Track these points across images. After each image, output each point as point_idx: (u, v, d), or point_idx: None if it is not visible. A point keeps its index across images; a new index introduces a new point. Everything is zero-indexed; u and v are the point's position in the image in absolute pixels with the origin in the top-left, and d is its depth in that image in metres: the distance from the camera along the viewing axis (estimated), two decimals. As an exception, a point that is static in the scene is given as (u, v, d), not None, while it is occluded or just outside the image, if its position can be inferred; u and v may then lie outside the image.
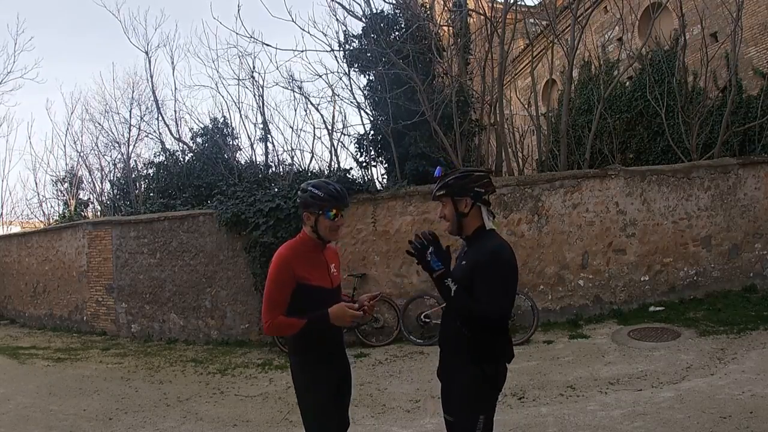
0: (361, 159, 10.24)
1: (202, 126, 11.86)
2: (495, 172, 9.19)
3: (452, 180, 2.19)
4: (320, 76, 11.71)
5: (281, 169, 10.46)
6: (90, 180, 14.47)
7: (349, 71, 9.97)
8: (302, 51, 17.25)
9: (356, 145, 10.32)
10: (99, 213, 13.59)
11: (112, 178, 13.93)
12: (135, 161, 13.49)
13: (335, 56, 10.07)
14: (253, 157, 11.27)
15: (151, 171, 12.61)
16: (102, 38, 43.20)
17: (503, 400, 4.23)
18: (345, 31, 9.91)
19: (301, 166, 10.39)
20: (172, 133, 12.11)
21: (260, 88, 10.86)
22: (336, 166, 10.00)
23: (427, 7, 10.18)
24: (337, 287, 2.46)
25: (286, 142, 12.20)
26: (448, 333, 2.25)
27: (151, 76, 12.09)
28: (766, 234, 7.69)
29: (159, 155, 12.65)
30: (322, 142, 25.44)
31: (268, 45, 19.72)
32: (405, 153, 9.15)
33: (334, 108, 11.01)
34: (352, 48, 9.78)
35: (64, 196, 15.01)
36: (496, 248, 2.08)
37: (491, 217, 2.21)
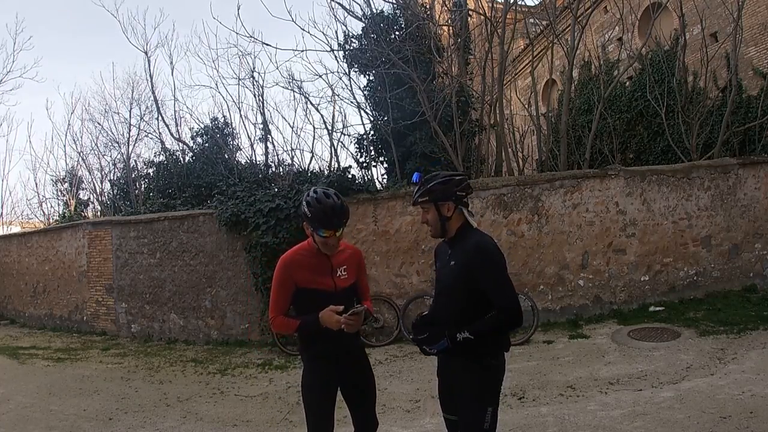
0: (361, 159, 10.25)
1: (202, 126, 11.87)
2: (495, 172, 9.19)
3: (435, 185, 2.21)
4: (320, 76, 11.74)
5: (281, 169, 10.46)
6: (90, 180, 14.48)
7: (349, 71, 9.99)
8: (302, 51, 17.28)
9: (356, 145, 10.34)
10: (99, 213, 13.57)
11: (112, 178, 13.94)
12: (135, 161, 13.50)
13: (335, 56, 10.10)
14: (253, 157, 11.30)
15: (151, 171, 12.61)
16: (102, 38, 43.23)
17: (503, 400, 4.22)
18: (345, 31, 9.96)
19: (301, 166, 10.40)
20: (172, 133, 12.13)
21: (260, 88, 10.89)
22: (336, 166, 10.00)
23: (427, 7, 10.18)
24: (346, 289, 2.44)
25: (286, 142, 12.27)
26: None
27: (151, 76, 12.10)
28: (766, 234, 7.69)
29: (159, 155, 12.68)
30: (322, 142, 25.51)
31: (268, 45, 19.77)
32: (405, 153, 9.16)
33: (334, 108, 11.05)
34: (352, 48, 9.80)
35: (64, 196, 15.00)
36: (479, 243, 2.15)
37: (471, 216, 2.28)
